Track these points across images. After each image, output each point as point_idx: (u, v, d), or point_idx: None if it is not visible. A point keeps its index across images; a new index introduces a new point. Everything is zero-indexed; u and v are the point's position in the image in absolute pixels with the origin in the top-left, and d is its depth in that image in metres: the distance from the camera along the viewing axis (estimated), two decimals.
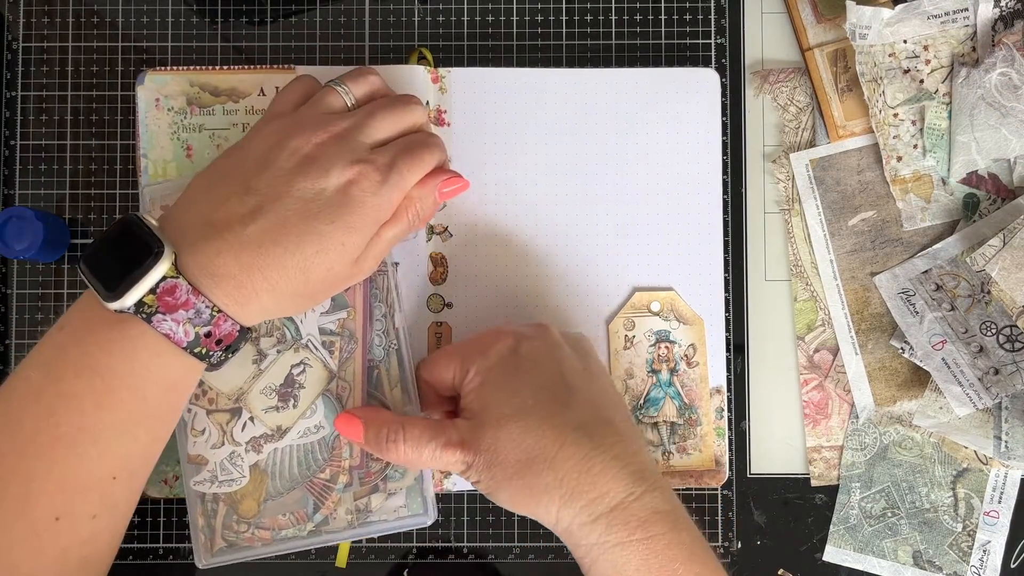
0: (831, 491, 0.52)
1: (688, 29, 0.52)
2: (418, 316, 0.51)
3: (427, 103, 0.51)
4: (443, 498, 0.51)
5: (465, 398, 0.44)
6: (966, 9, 0.50)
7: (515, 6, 0.52)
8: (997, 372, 0.49)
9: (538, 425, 0.41)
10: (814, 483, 0.52)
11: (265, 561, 0.50)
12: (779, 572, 0.52)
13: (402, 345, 0.49)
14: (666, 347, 0.51)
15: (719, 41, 0.53)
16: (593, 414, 0.42)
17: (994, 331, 0.49)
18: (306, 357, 0.48)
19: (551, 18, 0.52)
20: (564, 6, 0.52)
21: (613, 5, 0.52)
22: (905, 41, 0.51)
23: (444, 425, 0.43)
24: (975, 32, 0.50)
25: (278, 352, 0.48)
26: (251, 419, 0.48)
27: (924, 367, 0.50)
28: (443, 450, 0.42)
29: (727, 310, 0.52)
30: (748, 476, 0.52)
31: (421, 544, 0.51)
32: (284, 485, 0.48)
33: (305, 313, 0.48)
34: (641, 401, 0.51)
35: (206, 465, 0.48)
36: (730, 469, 0.51)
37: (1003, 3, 0.50)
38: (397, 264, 0.50)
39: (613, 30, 0.52)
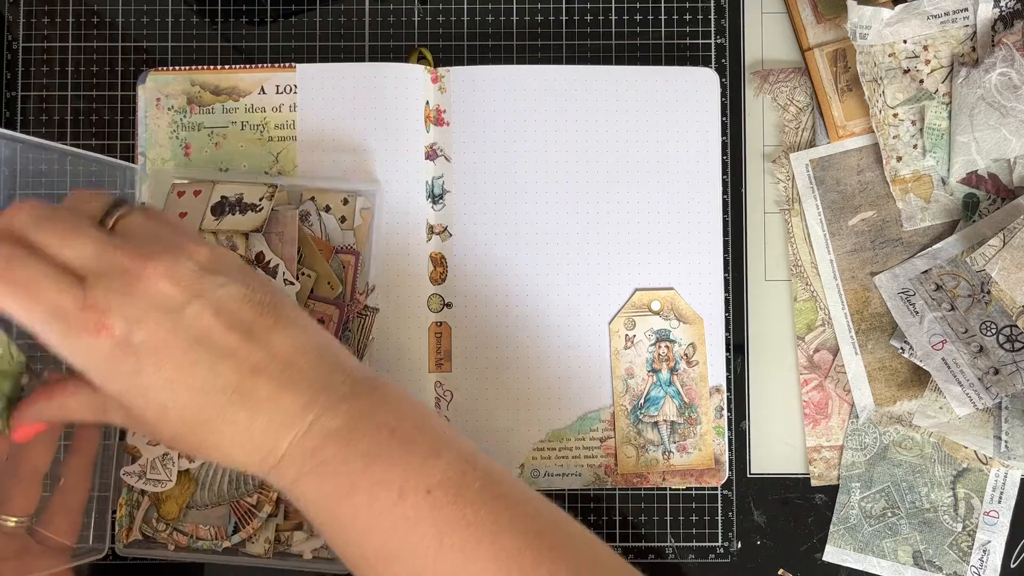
0: (831, 491, 0.52)
1: (688, 29, 0.52)
2: (418, 316, 0.51)
3: (426, 103, 0.51)
4: None
5: None
6: (966, 9, 0.50)
7: (515, 6, 0.52)
8: (997, 372, 0.49)
9: (173, 428, 0.36)
10: (814, 483, 0.52)
11: None
12: (779, 572, 0.52)
13: None
14: (666, 346, 0.51)
15: (719, 41, 0.53)
16: (233, 371, 0.35)
17: (994, 331, 0.49)
18: None
19: (551, 18, 0.52)
20: (564, 6, 0.52)
21: (613, 5, 0.52)
22: (905, 41, 0.51)
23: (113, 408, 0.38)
24: (975, 32, 0.50)
25: None
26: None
27: (924, 367, 0.50)
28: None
29: (727, 310, 0.52)
30: (748, 476, 0.52)
31: None
32: (211, 498, 0.48)
33: None
34: (641, 400, 0.51)
35: (139, 458, 0.48)
36: (730, 469, 0.51)
37: (1003, 3, 0.50)
38: (377, 310, 0.50)
39: (613, 30, 0.52)
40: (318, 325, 0.39)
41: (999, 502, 0.51)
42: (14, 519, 0.43)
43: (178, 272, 0.35)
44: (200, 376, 0.35)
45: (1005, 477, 0.51)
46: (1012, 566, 0.51)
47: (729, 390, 0.52)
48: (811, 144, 0.52)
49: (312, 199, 0.49)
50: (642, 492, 0.51)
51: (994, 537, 0.51)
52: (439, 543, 0.35)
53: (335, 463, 0.35)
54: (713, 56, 0.53)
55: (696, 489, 0.51)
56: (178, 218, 0.40)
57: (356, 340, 0.49)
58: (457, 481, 0.36)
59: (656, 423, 0.51)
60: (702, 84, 0.51)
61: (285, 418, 0.36)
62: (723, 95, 0.52)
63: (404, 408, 0.38)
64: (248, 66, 0.51)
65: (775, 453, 0.52)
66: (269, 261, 0.48)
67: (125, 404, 0.36)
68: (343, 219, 0.49)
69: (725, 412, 0.51)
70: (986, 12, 0.50)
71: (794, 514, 0.52)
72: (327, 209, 0.49)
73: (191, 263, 0.36)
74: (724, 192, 0.52)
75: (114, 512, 0.48)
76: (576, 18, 0.52)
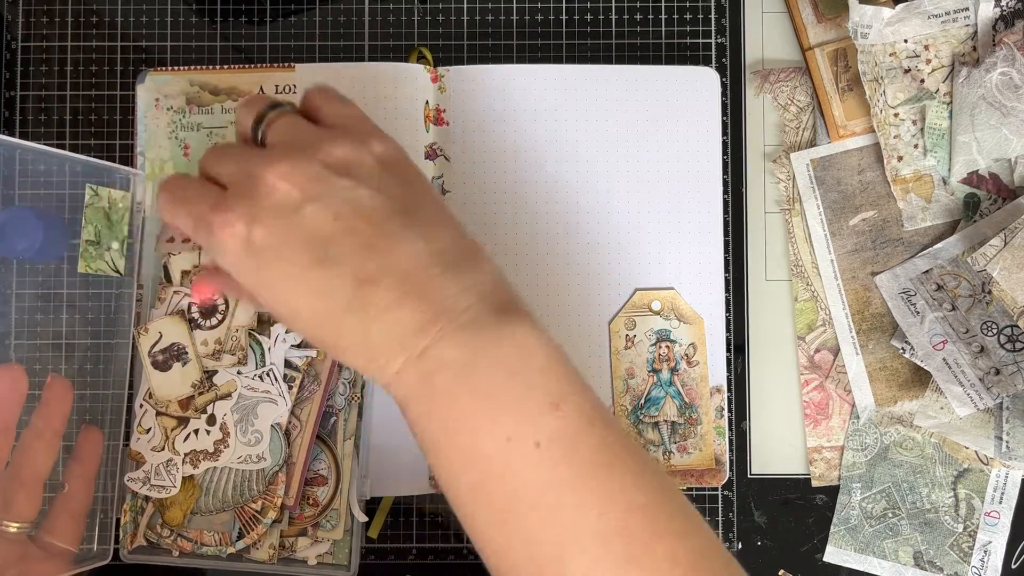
0: (832, 491, 0.52)
1: (688, 29, 0.52)
2: None
3: (426, 102, 0.51)
4: (443, 498, 0.51)
5: None
6: (967, 9, 0.50)
7: (515, 5, 0.52)
8: (998, 372, 0.49)
9: (303, 324, 0.37)
10: (815, 483, 0.52)
11: None
12: (779, 572, 0.52)
13: (365, 401, 0.49)
14: (667, 346, 0.51)
15: (719, 40, 0.53)
16: (351, 277, 0.35)
17: (995, 331, 0.49)
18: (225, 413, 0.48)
19: (551, 17, 0.52)
20: (564, 5, 0.52)
21: (613, 4, 0.52)
22: (906, 40, 0.51)
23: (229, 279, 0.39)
24: (976, 32, 0.50)
25: (237, 373, 0.48)
26: (195, 432, 0.48)
27: (925, 367, 0.50)
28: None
29: (727, 310, 0.52)
30: (748, 476, 0.52)
31: (421, 544, 0.51)
32: (215, 504, 0.48)
33: (275, 341, 0.48)
34: (642, 400, 0.51)
35: (143, 464, 0.48)
36: (730, 469, 0.51)
37: (1004, 3, 0.50)
38: None
39: (613, 29, 0.52)
40: (456, 229, 0.37)
41: (1000, 503, 0.51)
42: (16, 525, 0.43)
43: (298, 174, 0.35)
44: (316, 278, 0.35)
45: (1006, 477, 0.51)
46: (1013, 567, 0.51)
47: (729, 390, 0.51)
48: (812, 144, 0.52)
49: None
50: None
51: (995, 538, 0.51)
52: (539, 498, 0.33)
53: (447, 395, 0.34)
54: (713, 56, 0.52)
55: (696, 489, 0.51)
56: (344, 111, 0.40)
57: None
58: (571, 439, 0.34)
59: (656, 423, 0.51)
60: (702, 84, 0.51)
61: (401, 335, 0.35)
62: (723, 95, 0.52)
63: (530, 348, 0.35)
64: (247, 66, 0.51)
65: (776, 453, 0.52)
66: None
67: (260, 300, 0.37)
68: None
69: (726, 412, 0.51)
70: (987, 11, 0.50)
71: (795, 514, 0.52)
72: None
73: (317, 166, 0.36)
74: (724, 192, 0.51)
75: (118, 518, 0.48)
76: (576, 18, 0.52)
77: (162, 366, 0.48)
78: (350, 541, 0.48)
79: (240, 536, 0.47)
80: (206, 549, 0.48)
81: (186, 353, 0.48)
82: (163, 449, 0.48)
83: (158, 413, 0.48)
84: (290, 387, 0.48)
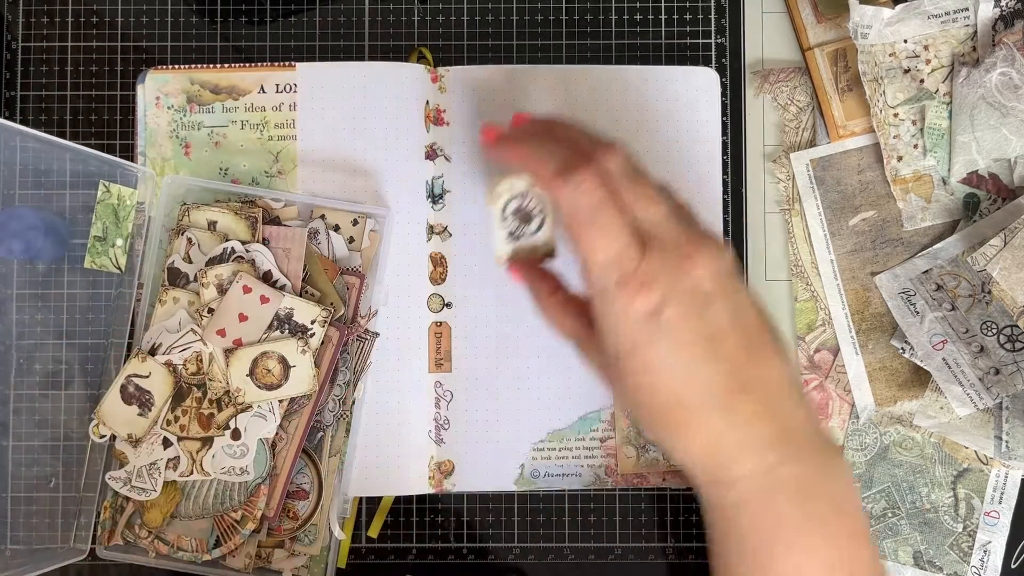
0: None
1: (688, 29, 0.52)
2: (418, 316, 0.51)
3: (426, 102, 0.51)
4: (442, 498, 0.51)
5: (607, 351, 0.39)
6: (966, 9, 0.50)
7: (514, 6, 0.52)
8: (998, 372, 0.49)
9: (660, 403, 0.37)
10: None
11: None
12: None
13: (353, 419, 0.49)
14: None
15: (719, 41, 0.53)
16: (728, 379, 0.36)
17: (995, 331, 0.49)
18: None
19: (551, 18, 0.52)
20: (564, 6, 0.52)
21: (613, 5, 0.52)
22: (906, 41, 0.51)
23: (591, 346, 0.40)
24: (975, 32, 0.50)
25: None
26: (223, 449, 0.47)
27: (925, 367, 0.50)
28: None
29: None
30: None
31: (420, 544, 0.51)
32: (195, 510, 0.48)
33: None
34: None
35: (125, 464, 0.48)
36: None
37: (1003, 3, 0.50)
38: (378, 335, 0.50)
39: (613, 30, 0.52)
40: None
41: (1000, 502, 0.51)
42: None
43: (718, 268, 0.37)
44: (699, 373, 0.36)
45: (1006, 477, 0.51)
46: (1012, 566, 0.51)
47: None
48: (811, 144, 0.52)
49: (322, 217, 0.49)
50: (642, 492, 0.51)
51: (994, 537, 0.51)
52: None
53: (782, 514, 0.37)
54: (713, 56, 0.53)
55: None
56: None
57: (354, 364, 0.49)
58: (877, 571, 0.38)
59: None
60: (702, 84, 0.51)
61: (754, 445, 0.37)
62: (723, 95, 0.52)
63: (851, 486, 0.39)
64: (248, 65, 0.51)
65: None
66: (276, 280, 0.48)
67: (621, 367, 0.37)
68: (351, 239, 0.49)
69: None
70: (987, 12, 0.50)
71: None
72: (336, 228, 0.49)
73: (726, 264, 0.37)
74: (724, 192, 0.52)
75: (98, 514, 0.48)
76: (576, 18, 0.52)
77: (126, 397, 0.48)
78: (327, 557, 0.48)
79: (217, 544, 0.47)
80: (182, 554, 0.48)
81: (149, 409, 0.47)
82: (191, 473, 0.47)
83: (180, 439, 0.48)
84: (280, 401, 0.47)
